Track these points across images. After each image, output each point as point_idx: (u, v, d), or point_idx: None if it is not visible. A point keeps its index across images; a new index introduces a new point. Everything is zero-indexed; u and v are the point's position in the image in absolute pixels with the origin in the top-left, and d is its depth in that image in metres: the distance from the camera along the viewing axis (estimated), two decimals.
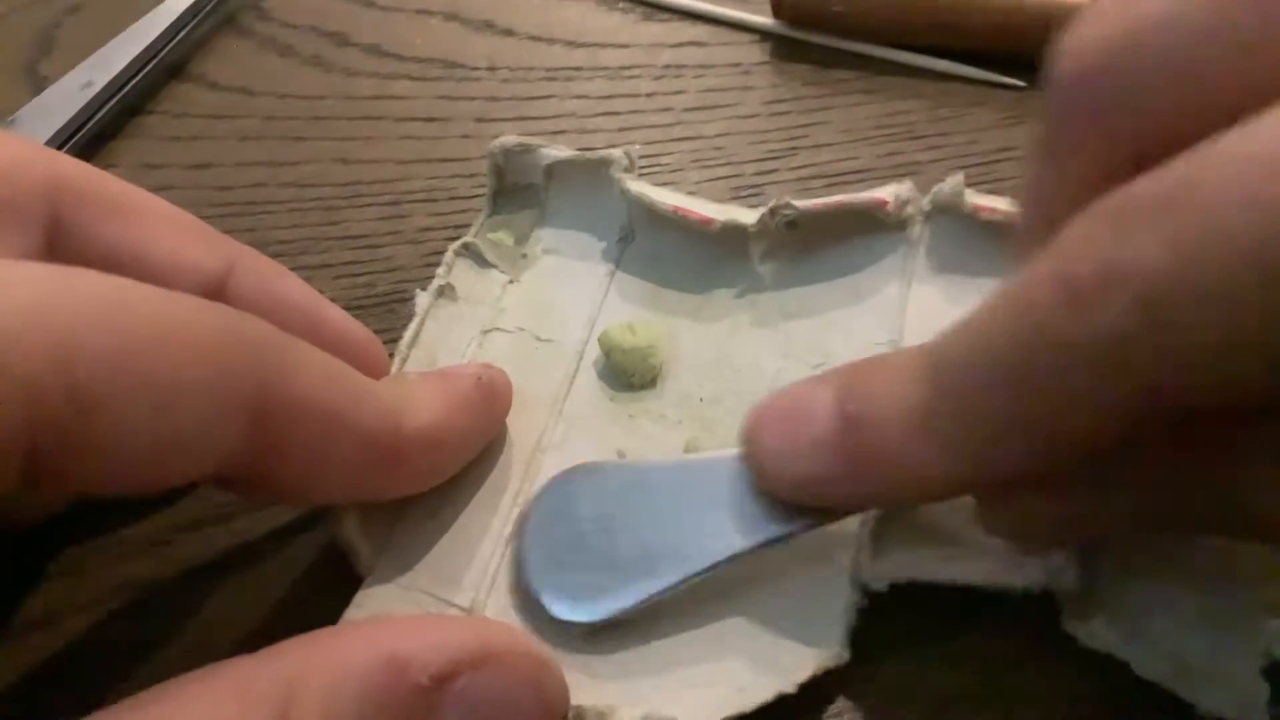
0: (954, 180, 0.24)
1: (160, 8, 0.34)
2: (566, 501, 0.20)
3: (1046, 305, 0.14)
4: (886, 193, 0.24)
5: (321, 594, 0.20)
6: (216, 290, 0.20)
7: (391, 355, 0.23)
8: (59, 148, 0.30)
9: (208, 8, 0.35)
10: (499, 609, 0.20)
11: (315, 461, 0.17)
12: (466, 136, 0.31)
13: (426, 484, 0.20)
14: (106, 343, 0.14)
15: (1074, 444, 0.15)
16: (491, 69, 0.34)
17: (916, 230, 0.24)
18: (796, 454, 0.18)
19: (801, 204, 0.24)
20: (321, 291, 0.22)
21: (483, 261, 0.26)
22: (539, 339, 0.24)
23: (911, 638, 0.19)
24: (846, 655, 0.18)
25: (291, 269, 0.22)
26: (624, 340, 0.23)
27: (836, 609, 0.19)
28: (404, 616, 0.19)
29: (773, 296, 0.25)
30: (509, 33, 0.35)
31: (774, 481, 0.18)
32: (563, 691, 0.17)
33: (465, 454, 0.21)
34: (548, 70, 0.34)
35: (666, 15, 0.36)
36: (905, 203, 0.24)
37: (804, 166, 0.30)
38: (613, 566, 0.19)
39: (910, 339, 0.23)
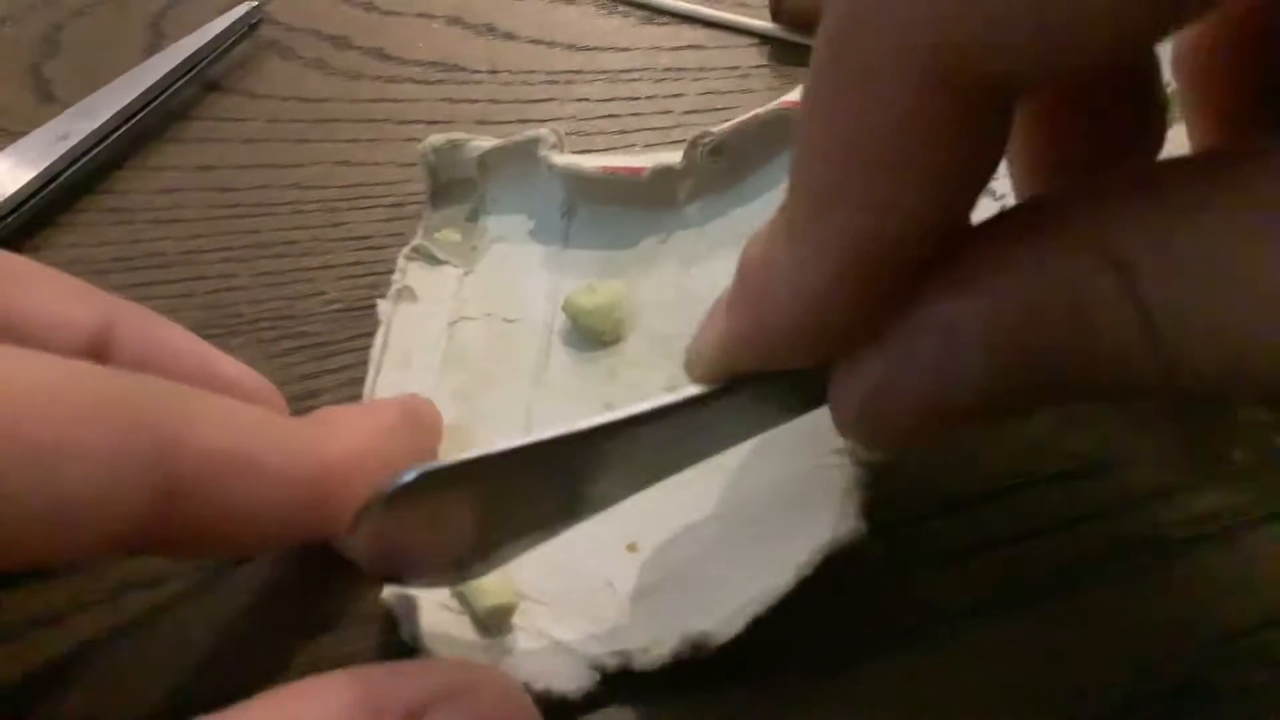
0: None
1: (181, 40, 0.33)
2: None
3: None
4: (799, 93, 0.25)
5: (322, 594, 0.20)
6: (101, 345, 0.19)
7: (366, 363, 0.23)
8: (67, 156, 0.29)
9: (241, 29, 0.35)
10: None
11: (236, 510, 0.16)
12: None
13: None
14: None
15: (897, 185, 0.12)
16: (493, 72, 0.34)
17: None
18: (707, 328, 0.17)
19: (718, 128, 0.25)
20: (324, 292, 0.22)
21: (434, 260, 0.26)
22: (506, 320, 0.25)
23: (911, 636, 0.20)
24: (864, 528, 0.18)
25: (294, 270, 0.22)
26: (587, 301, 0.24)
27: (841, 489, 0.19)
28: (376, 666, 0.18)
29: (717, 224, 0.25)
30: (510, 36, 0.36)
31: (693, 363, 0.17)
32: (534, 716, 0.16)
33: None
34: (548, 73, 0.34)
35: (666, 19, 0.36)
36: None
37: None
38: None
39: None
